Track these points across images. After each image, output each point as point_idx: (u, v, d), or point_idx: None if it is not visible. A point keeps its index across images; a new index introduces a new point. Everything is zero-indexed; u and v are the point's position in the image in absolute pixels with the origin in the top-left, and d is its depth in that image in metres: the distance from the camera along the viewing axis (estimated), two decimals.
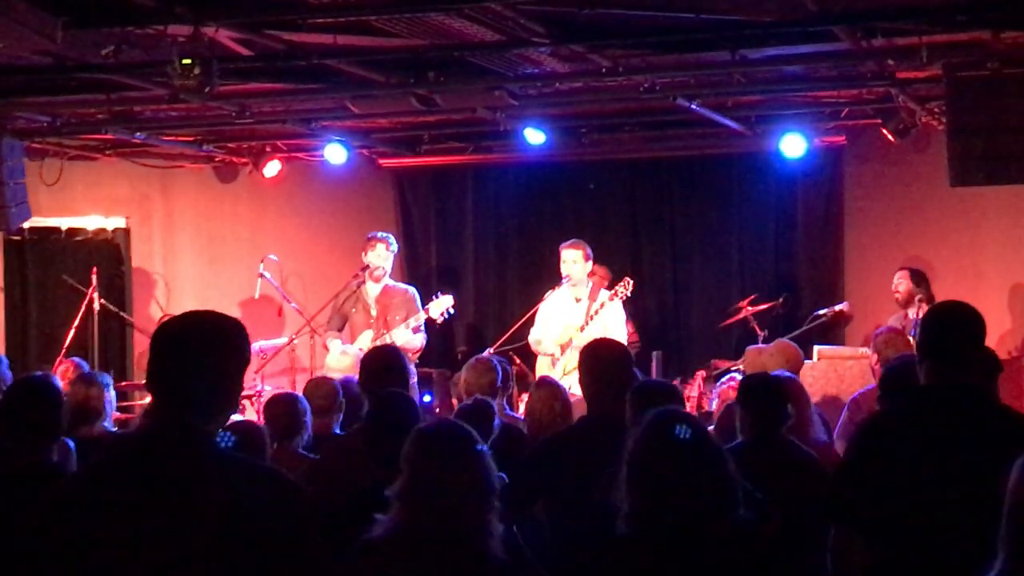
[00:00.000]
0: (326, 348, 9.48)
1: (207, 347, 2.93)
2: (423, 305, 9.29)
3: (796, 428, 5.50)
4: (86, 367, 7.90)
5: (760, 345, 7.92)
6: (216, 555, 2.79)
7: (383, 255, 9.42)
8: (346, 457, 5.19)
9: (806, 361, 8.80)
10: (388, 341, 8.94)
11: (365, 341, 9.06)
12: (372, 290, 9.43)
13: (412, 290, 9.50)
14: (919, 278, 9.87)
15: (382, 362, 5.95)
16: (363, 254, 9.46)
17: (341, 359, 8.92)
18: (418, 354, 9.30)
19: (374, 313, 9.35)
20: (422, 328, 9.29)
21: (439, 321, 9.36)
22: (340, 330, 9.47)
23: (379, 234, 9.59)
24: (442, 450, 3.48)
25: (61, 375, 7.82)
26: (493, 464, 3.52)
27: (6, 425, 4.72)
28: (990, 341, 4.33)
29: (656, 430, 3.46)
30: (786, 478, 4.81)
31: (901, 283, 9.89)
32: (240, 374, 3.00)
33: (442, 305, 9.22)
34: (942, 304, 4.63)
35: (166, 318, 3.11)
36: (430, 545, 3.40)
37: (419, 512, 3.41)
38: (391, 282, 9.51)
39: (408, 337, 9.11)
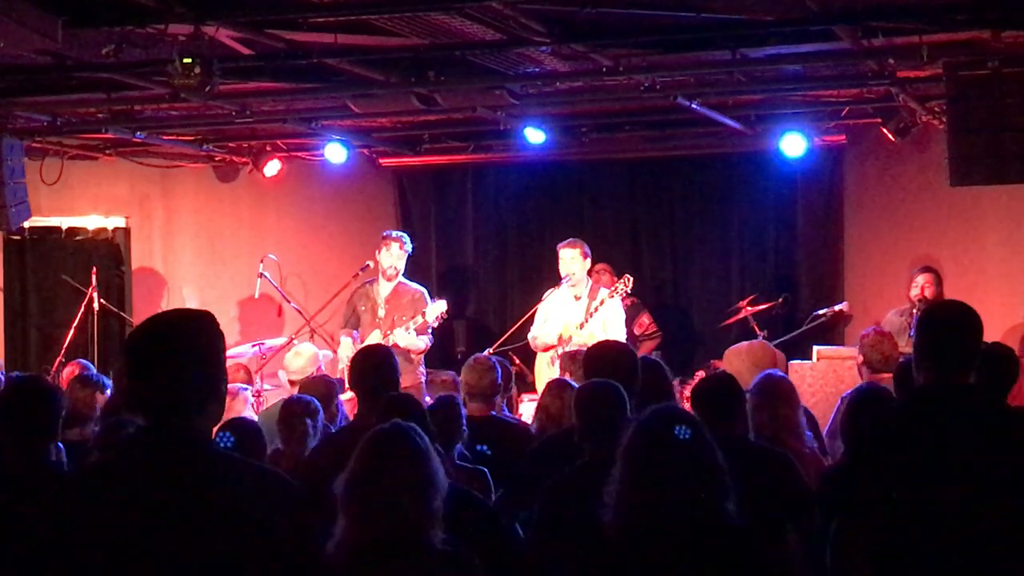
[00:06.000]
0: (337, 343, 9.49)
1: (185, 345, 2.94)
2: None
3: (784, 431, 5.50)
4: (92, 369, 7.87)
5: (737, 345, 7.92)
6: (214, 554, 2.80)
7: (397, 254, 9.39)
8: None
9: (805, 361, 8.78)
10: (391, 343, 8.95)
11: (373, 341, 9.03)
12: (383, 289, 9.41)
13: (422, 290, 9.48)
14: (940, 281, 9.74)
15: (370, 361, 5.80)
16: (376, 252, 9.44)
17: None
18: (422, 355, 9.30)
19: (382, 313, 9.32)
20: (427, 331, 9.28)
21: (434, 326, 9.34)
22: (356, 328, 9.46)
23: (394, 233, 9.58)
24: (381, 448, 3.57)
25: (66, 376, 7.81)
26: (436, 459, 3.58)
27: (2, 425, 4.69)
28: (990, 340, 4.33)
29: (659, 426, 3.50)
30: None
31: (927, 287, 9.64)
32: (221, 364, 3.01)
33: (436, 311, 9.19)
34: (939, 305, 4.61)
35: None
36: (373, 540, 3.46)
37: (358, 506, 3.49)
38: (403, 281, 9.49)
39: (409, 339, 9.10)
